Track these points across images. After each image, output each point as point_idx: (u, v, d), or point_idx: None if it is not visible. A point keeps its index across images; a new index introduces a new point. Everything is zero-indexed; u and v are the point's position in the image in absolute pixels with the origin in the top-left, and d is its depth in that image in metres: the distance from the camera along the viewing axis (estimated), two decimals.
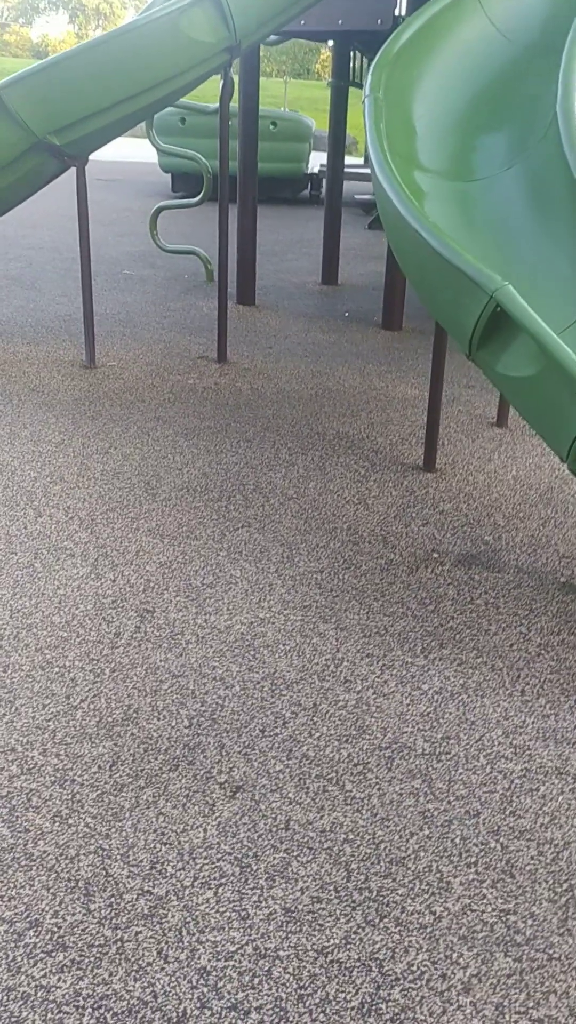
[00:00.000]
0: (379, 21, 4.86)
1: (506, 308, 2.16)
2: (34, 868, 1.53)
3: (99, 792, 1.71)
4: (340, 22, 4.97)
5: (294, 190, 11.91)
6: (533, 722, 1.98)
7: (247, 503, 3.00)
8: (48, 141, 3.67)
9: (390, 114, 2.81)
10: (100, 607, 2.35)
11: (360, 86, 8.78)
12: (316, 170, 12.73)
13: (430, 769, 1.82)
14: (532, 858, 1.61)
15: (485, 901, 1.51)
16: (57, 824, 1.63)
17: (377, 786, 1.77)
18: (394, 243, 2.62)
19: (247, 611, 2.36)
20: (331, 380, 4.34)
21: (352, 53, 6.44)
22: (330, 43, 6.19)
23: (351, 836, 1.64)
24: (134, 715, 1.94)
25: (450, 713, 1.99)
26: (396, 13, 4.86)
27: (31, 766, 1.77)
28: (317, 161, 14.14)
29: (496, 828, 1.67)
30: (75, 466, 3.21)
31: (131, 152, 15.50)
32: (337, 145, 6.39)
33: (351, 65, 6.47)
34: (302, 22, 4.79)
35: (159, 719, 1.94)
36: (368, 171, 5.87)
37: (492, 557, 2.72)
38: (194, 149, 6.40)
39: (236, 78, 5.04)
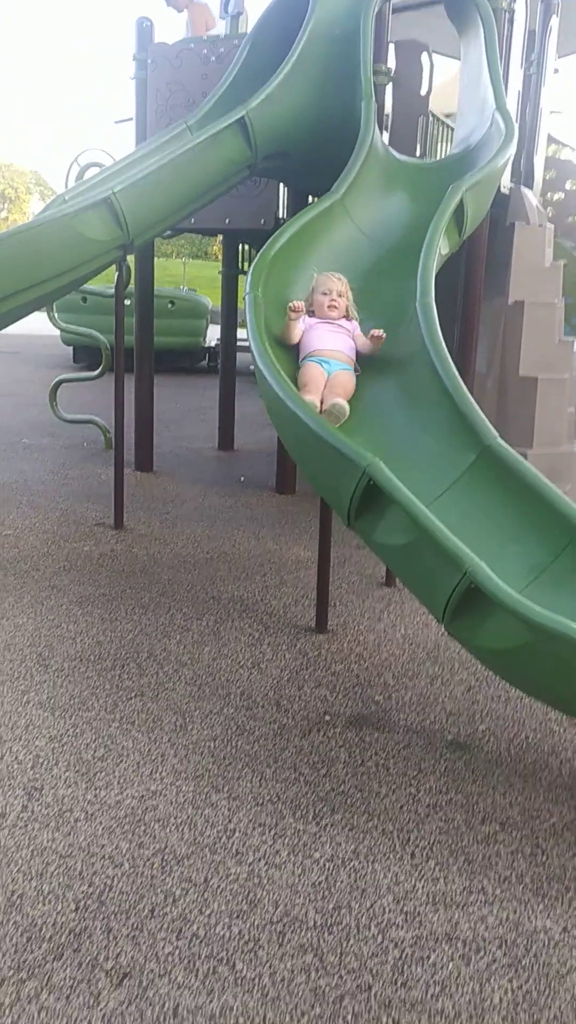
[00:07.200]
0: (262, 221, 5.35)
1: (377, 481, 2.34)
2: None
3: None
4: (227, 221, 5.45)
5: (192, 361, 12.55)
6: (423, 886, 1.99)
7: (141, 671, 3.01)
8: None
9: (269, 309, 3.09)
10: None
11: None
12: (214, 343, 13.50)
13: (321, 942, 1.80)
14: None
15: None
16: None
17: (268, 964, 1.74)
18: (276, 423, 2.82)
19: (138, 784, 2.34)
20: (226, 544, 4.47)
21: (240, 245, 7.03)
22: (220, 236, 6.73)
23: (241, 1020, 1.60)
24: (17, 901, 1.87)
25: (341, 881, 2.00)
26: (278, 215, 5.36)
27: None
28: (215, 335, 15.05)
29: (388, 1001, 1.66)
30: None
31: (34, 326, 16.00)
32: (229, 323, 6.85)
33: (239, 255, 7.07)
34: (192, 220, 5.22)
35: (44, 904, 1.87)
36: None
37: (383, 717, 2.78)
38: (95, 326, 6.77)
39: (132, 263, 5.41)
